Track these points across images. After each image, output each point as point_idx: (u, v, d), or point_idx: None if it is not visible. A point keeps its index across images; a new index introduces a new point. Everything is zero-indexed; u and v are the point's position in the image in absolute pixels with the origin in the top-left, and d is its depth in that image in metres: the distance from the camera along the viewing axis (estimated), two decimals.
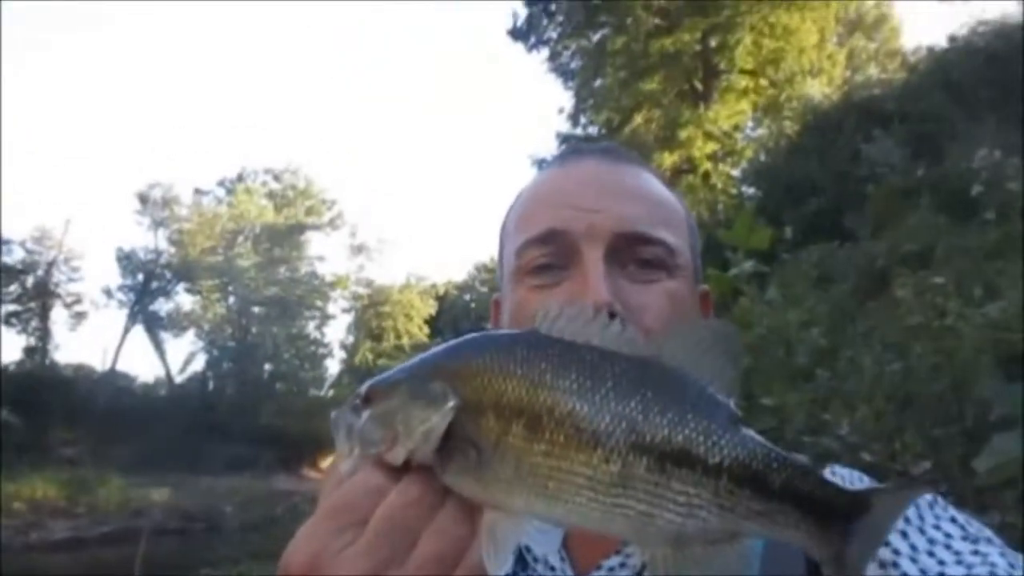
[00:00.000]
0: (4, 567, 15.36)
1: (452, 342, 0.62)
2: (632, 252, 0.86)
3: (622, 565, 0.83)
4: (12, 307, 35.27)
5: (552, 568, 0.86)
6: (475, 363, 0.58)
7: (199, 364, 43.49)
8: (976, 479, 2.82)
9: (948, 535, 0.72)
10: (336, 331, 49.30)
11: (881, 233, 10.43)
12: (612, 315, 0.79)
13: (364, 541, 0.55)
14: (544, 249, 0.88)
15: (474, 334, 0.63)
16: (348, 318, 48.98)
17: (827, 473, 0.86)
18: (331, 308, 47.34)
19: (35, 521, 21.52)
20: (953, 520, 0.75)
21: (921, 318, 4.40)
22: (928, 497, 0.78)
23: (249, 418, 38.85)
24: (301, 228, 45.29)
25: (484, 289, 50.10)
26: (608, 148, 0.99)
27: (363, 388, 0.61)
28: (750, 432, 0.56)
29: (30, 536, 20.64)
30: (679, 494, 0.54)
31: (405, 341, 44.89)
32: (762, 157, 20.25)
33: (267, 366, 44.19)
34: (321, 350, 47.11)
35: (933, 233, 9.09)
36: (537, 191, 0.96)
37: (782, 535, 0.56)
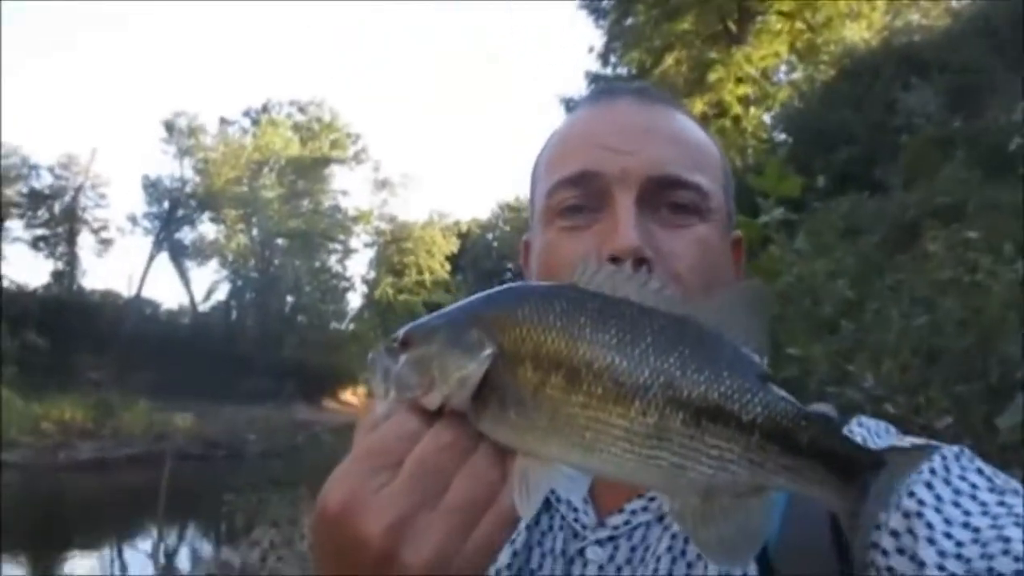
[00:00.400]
0: (33, 485, 15.86)
1: (491, 291, 0.63)
2: (665, 196, 0.85)
3: (644, 509, 0.84)
4: (40, 231, 35.82)
5: (575, 510, 0.87)
6: (514, 313, 0.59)
7: (222, 294, 44.10)
8: (999, 436, 2.81)
9: (974, 485, 0.71)
10: (358, 265, 49.69)
11: (913, 185, 10.26)
12: (642, 261, 0.80)
13: (398, 483, 0.56)
14: (575, 191, 0.86)
15: (512, 284, 0.64)
16: (370, 253, 49.25)
17: (854, 425, 0.85)
18: (353, 243, 47.62)
19: (63, 442, 22.15)
20: (980, 471, 0.74)
21: (951, 273, 4.34)
22: (955, 448, 0.77)
23: (271, 349, 39.44)
24: (325, 161, 45.25)
25: (507, 228, 50.07)
26: (642, 88, 0.96)
27: (401, 331, 0.62)
28: (780, 391, 0.58)
29: (58, 456, 21.26)
30: (712, 448, 0.56)
31: (426, 277, 45.10)
32: (795, 102, 19.83)
33: (289, 298, 44.65)
34: (343, 284, 47.53)
35: (967, 187, 8.92)
36: (570, 131, 0.94)
37: (807, 489, 0.58)
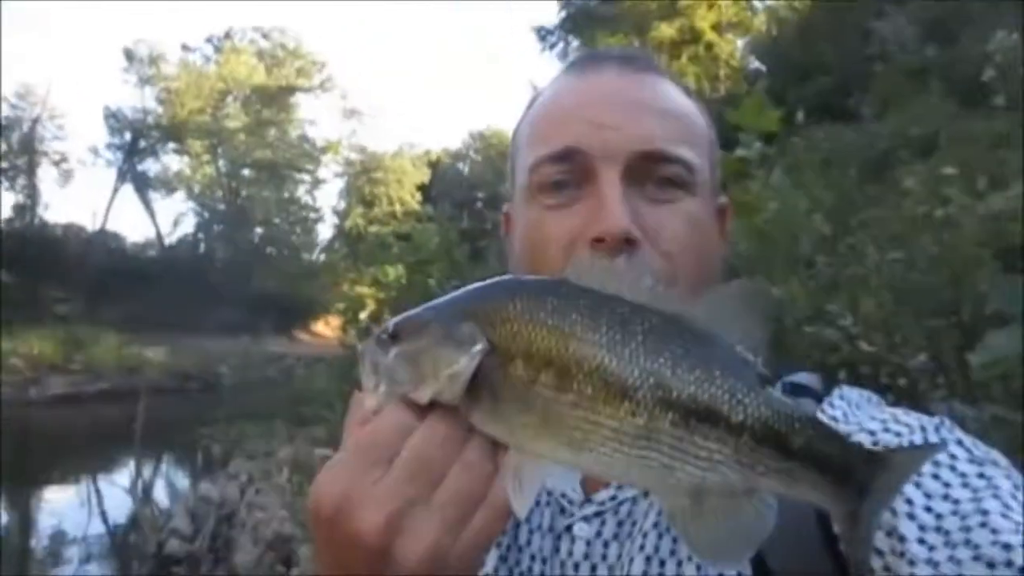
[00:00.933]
0: (4, 422, 15.79)
1: (482, 284, 0.62)
2: (650, 171, 0.83)
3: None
4: None
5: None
6: (505, 308, 0.58)
7: (189, 226, 43.57)
8: (972, 373, 2.86)
9: (953, 456, 0.71)
10: (327, 196, 49.23)
11: (887, 115, 10.27)
12: (630, 241, 0.78)
13: (392, 478, 0.56)
14: (559, 167, 0.85)
15: (503, 277, 0.63)
16: (340, 183, 48.77)
17: (835, 397, 0.84)
18: (322, 173, 47.07)
19: (33, 377, 22.02)
20: (959, 442, 0.73)
21: (926, 208, 4.37)
22: (935, 420, 0.77)
23: (241, 281, 39.20)
24: (291, 90, 44.36)
25: (478, 157, 49.68)
26: (628, 55, 0.93)
27: (391, 323, 0.62)
28: (775, 392, 0.58)
29: (28, 392, 21.16)
30: (701, 449, 0.56)
31: (397, 208, 44.79)
32: (771, 30, 19.62)
33: (258, 230, 44.21)
34: (312, 215, 47.11)
35: (940, 118, 8.94)
36: (553, 103, 0.91)
37: (800, 493, 0.57)
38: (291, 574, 5.66)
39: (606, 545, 0.82)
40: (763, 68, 16.08)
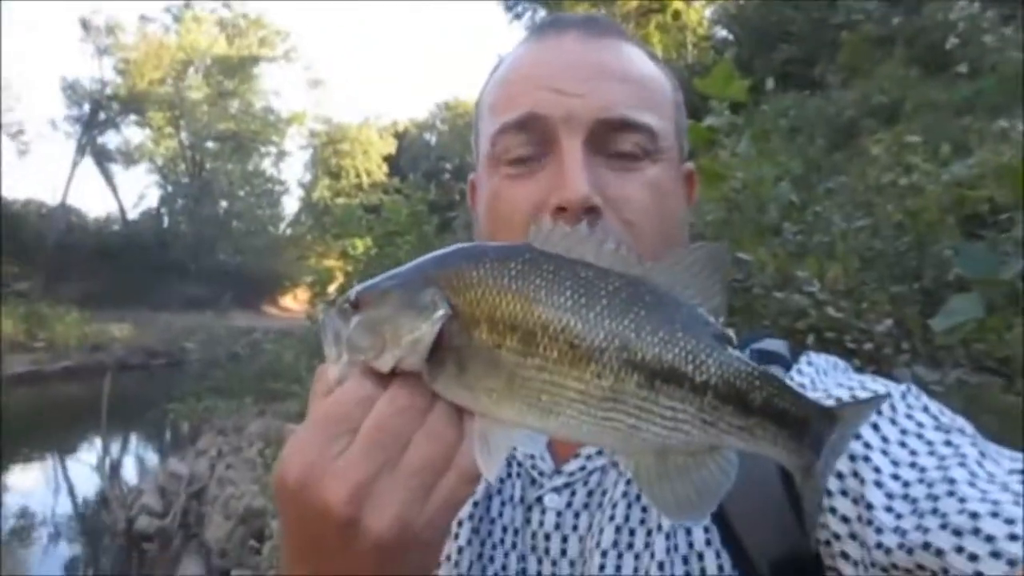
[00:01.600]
0: None
1: (443, 251, 0.62)
2: (613, 138, 0.82)
3: (599, 453, 0.85)
4: None
5: (531, 456, 0.87)
6: (468, 274, 0.58)
7: (152, 200, 42.87)
8: (934, 337, 2.91)
9: (920, 424, 0.72)
10: (293, 168, 48.74)
11: (852, 83, 10.34)
12: (591, 209, 0.77)
13: (356, 448, 0.56)
14: (521, 135, 0.84)
15: (465, 244, 0.63)
16: (305, 155, 48.24)
17: (803, 364, 0.85)
18: (287, 145, 46.51)
19: None
20: (926, 409, 0.74)
21: (891, 175, 4.42)
22: (902, 387, 0.77)
23: (206, 256, 38.76)
24: (254, 60, 43.62)
25: (445, 128, 49.33)
26: (590, 20, 0.92)
27: (352, 293, 0.61)
28: (735, 352, 0.58)
29: None
30: (666, 409, 0.56)
31: (364, 179, 44.43)
32: None
33: (223, 203, 43.60)
34: (278, 187, 46.58)
35: (904, 85, 9.03)
36: (514, 70, 0.89)
37: (760, 448, 0.59)
38: (263, 548, 5.65)
39: (576, 516, 0.83)
40: (730, 37, 16.07)
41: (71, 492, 11.27)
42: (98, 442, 12.57)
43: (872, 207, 4.41)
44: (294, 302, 37.88)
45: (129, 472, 12.14)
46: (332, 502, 0.55)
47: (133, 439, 15.03)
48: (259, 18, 43.54)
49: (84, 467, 11.24)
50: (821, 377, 0.83)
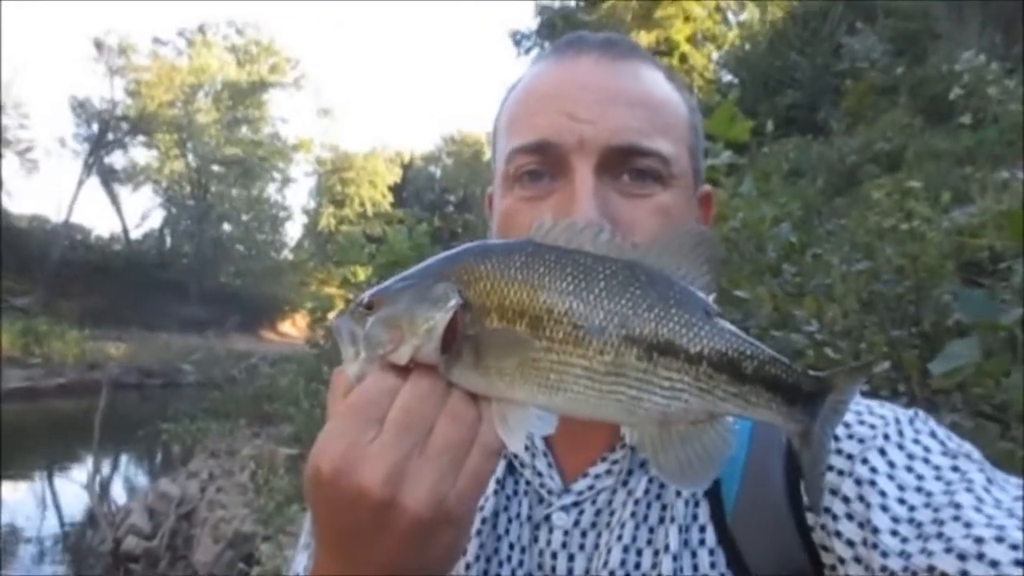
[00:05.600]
0: None
1: (450, 251, 0.66)
2: (625, 163, 0.83)
3: (608, 472, 0.85)
4: None
5: (540, 474, 0.88)
6: (476, 268, 0.63)
7: (156, 221, 43.01)
8: (932, 381, 2.90)
9: (927, 449, 0.73)
10: (298, 195, 48.94)
11: (855, 130, 10.42)
12: None
13: (387, 434, 0.59)
14: (534, 158, 0.85)
15: (471, 244, 0.67)
16: (310, 182, 48.45)
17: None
18: (293, 171, 46.75)
19: None
20: (933, 435, 0.75)
21: (892, 220, 4.44)
22: (909, 412, 0.78)
23: (207, 278, 38.77)
24: (264, 86, 44.01)
25: (450, 161, 49.58)
26: (609, 41, 0.92)
27: (364, 296, 0.65)
28: (727, 324, 0.62)
29: None
30: (664, 380, 0.60)
31: (368, 208, 44.59)
32: (744, 44, 19.83)
33: (226, 227, 43.71)
34: (282, 213, 46.70)
35: (907, 133, 9.10)
36: (531, 91, 0.90)
37: (755, 414, 0.62)
38: (252, 572, 5.59)
39: (584, 535, 0.83)
40: (735, 80, 16.24)
41: (59, 510, 11.16)
42: (89, 460, 12.47)
43: (872, 251, 4.43)
44: (293, 328, 37.81)
45: (119, 491, 12.03)
46: (368, 485, 0.58)
47: (124, 458, 14.91)
48: (270, 44, 44.02)
49: (74, 485, 11.11)
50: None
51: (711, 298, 0.63)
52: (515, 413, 0.61)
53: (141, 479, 13.25)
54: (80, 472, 12.39)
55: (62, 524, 10.58)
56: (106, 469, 13.40)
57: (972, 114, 7.84)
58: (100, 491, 10.34)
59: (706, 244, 0.65)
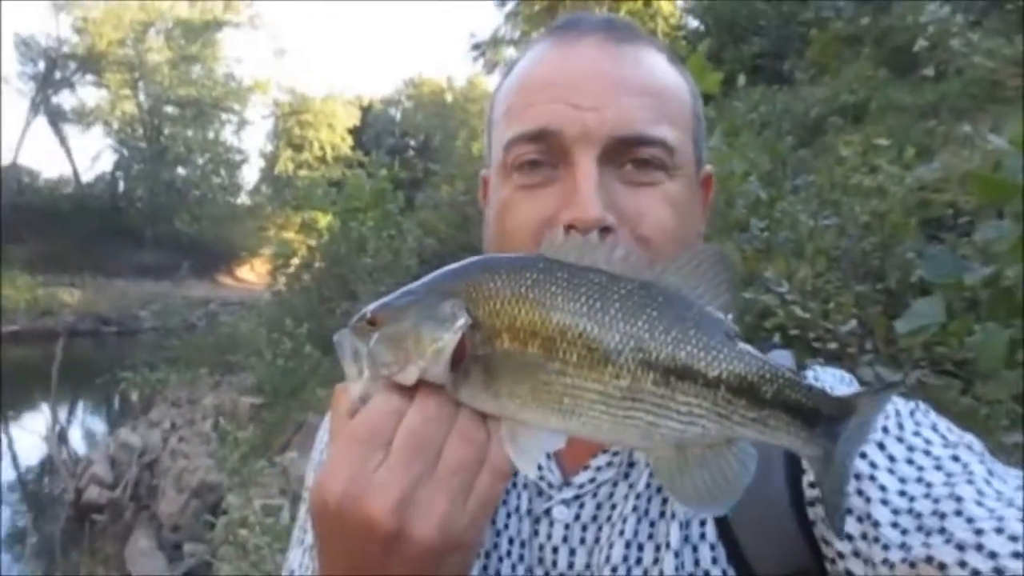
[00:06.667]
0: None
1: (456, 265, 0.64)
2: (629, 153, 0.81)
3: (608, 464, 0.84)
4: None
5: (539, 468, 0.86)
6: (486, 286, 0.60)
7: (107, 163, 41.88)
8: (897, 339, 2.96)
9: (928, 441, 0.72)
10: (254, 138, 47.97)
11: (820, 80, 10.45)
12: (606, 229, 0.77)
13: (393, 460, 0.58)
14: (534, 147, 0.82)
15: (480, 257, 0.65)
16: (267, 125, 47.46)
17: (810, 376, 0.85)
18: (249, 114, 45.70)
19: None
20: (934, 427, 0.75)
21: (859, 177, 4.48)
22: (909, 404, 0.78)
23: (162, 223, 38.03)
24: (218, 25, 42.65)
25: (410, 104, 48.87)
26: (610, 23, 0.88)
27: (367, 311, 0.63)
28: (746, 347, 0.61)
29: None
30: (682, 404, 0.59)
31: (328, 152, 43.88)
32: None
33: (180, 170, 42.67)
34: (238, 157, 45.73)
35: (871, 85, 9.14)
36: (530, 77, 0.87)
37: (774, 439, 0.61)
38: (219, 522, 5.60)
39: (584, 529, 0.82)
40: (701, 27, 16.12)
41: (15, 459, 11.03)
42: (45, 409, 12.29)
43: (839, 206, 4.46)
44: (251, 273, 37.39)
45: (77, 441, 11.91)
46: (377, 516, 0.56)
47: (82, 407, 14.75)
48: None
49: (30, 434, 10.95)
50: (830, 389, 0.82)
51: (729, 318, 0.61)
52: (526, 433, 0.60)
53: (99, 428, 13.13)
54: (35, 420, 12.21)
55: (19, 473, 10.47)
56: (64, 418, 13.25)
57: (935, 66, 7.88)
58: (59, 440, 10.22)
59: (724, 263, 0.63)
